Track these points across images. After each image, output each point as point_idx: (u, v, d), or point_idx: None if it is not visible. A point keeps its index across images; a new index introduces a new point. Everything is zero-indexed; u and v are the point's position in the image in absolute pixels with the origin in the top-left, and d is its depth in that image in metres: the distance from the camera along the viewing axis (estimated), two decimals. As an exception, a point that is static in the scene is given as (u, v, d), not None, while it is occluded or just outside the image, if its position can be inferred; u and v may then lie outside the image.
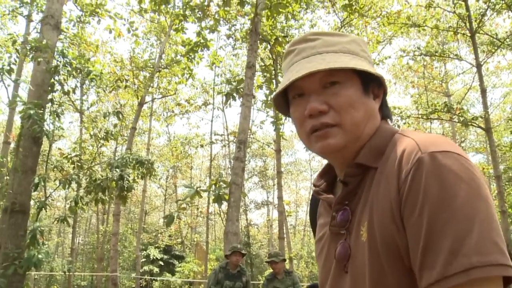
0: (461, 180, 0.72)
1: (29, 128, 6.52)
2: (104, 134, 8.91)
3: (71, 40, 11.74)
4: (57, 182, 7.83)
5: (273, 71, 10.75)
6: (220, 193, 6.56)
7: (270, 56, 10.92)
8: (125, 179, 7.58)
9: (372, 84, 0.93)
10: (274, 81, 10.86)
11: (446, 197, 0.71)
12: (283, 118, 11.57)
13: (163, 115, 22.19)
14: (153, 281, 21.71)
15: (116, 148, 21.46)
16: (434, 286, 0.69)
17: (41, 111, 6.71)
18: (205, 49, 10.14)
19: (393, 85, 19.75)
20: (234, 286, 5.92)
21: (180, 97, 19.85)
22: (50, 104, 7.25)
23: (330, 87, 0.89)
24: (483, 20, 10.75)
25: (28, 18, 11.31)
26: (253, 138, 21.16)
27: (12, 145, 10.18)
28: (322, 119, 0.88)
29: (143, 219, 21.48)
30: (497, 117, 21.45)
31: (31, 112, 6.40)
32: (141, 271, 19.69)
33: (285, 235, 15.94)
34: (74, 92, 8.49)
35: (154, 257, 21.36)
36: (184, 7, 9.44)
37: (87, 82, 9.08)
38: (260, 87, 10.50)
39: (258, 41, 8.37)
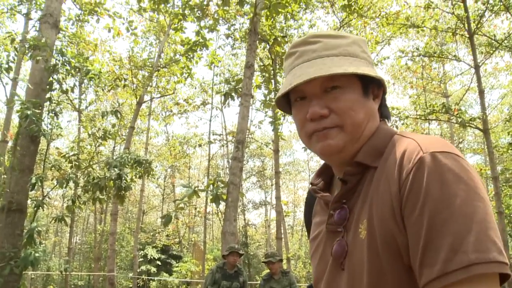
0: (461, 180, 0.74)
1: (27, 127, 6.50)
2: (102, 133, 8.90)
3: (70, 39, 11.73)
4: (55, 181, 7.81)
5: (272, 71, 10.76)
6: (218, 193, 6.56)
7: (269, 56, 10.92)
8: (123, 178, 7.57)
9: (372, 85, 0.95)
10: (272, 81, 10.86)
11: (447, 196, 0.73)
12: (282, 118, 11.59)
13: (162, 114, 22.17)
14: (151, 281, 21.69)
15: (114, 147, 21.46)
16: (435, 282, 0.70)
17: (39, 110, 6.69)
18: (204, 48, 10.15)
19: (392, 85, 19.78)
20: (231, 286, 5.92)
21: (179, 96, 19.85)
22: (48, 103, 7.23)
23: (331, 91, 0.91)
24: (481, 21, 10.77)
25: (27, 16, 11.30)
26: (252, 138, 21.15)
27: (10, 144, 10.16)
28: (323, 123, 0.91)
29: (140, 219, 21.46)
30: (494, 118, 21.49)
31: (29, 111, 6.38)
32: (138, 270, 19.67)
33: (282, 235, 15.93)
34: (72, 91, 8.47)
35: (152, 257, 21.34)
36: (184, 6, 9.43)
37: (85, 81, 9.06)
38: (258, 87, 10.50)
39: (257, 41, 8.37)
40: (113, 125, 10.86)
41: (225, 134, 21.51)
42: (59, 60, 7.27)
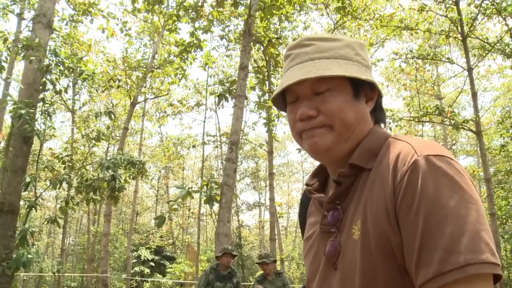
0: (454, 183, 0.76)
1: (20, 127, 6.46)
2: (96, 134, 8.86)
3: (63, 39, 11.67)
4: (48, 182, 7.77)
5: (266, 73, 10.75)
6: (212, 194, 6.55)
7: (263, 57, 10.92)
8: (117, 179, 7.53)
9: (364, 87, 0.96)
10: (267, 82, 10.86)
11: (441, 198, 0.74)
12: (276, 119, 11.59)
13: (156, 115, 22.14)
14: (144, 282, 21.61)
15: (108, 148, 21.38)
16: (430, 282, 0.71)
17: (32, 110, 6.66)
18: (198, 49, 10.12)
19: (386, 87, 19.85)
20: (225, 287, 5.91)
21: (173, 97, 19.82)
22: (41, 103, 7.19)
23: (321, 94, 0.93)
24: (474, 24, 10.85)
25: (20, 16, 11.24)
26: (246, 139, 21.15)
27: (2, 144, 10.09)
28: (311, 123, 0.93)
29: (134, 220, 21.39)
30: (487, 121, 21.63)
31: (22, 111, 6.34)
32: (132, 272, 19.61)
33: (276, 237, 15.94)
34: (66, 91, 8.42)
35: (145, 258, 21.27)
36: (178, 7, 9.42)
37: (79, 81, 9.03)
38: (253, 88, 10.49)
39: (251, 43, 8.38)
40: (107, 126, 10.82)
41: (219, 135, 21.50)
42: (52, 61, 7.23)
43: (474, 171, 14.57)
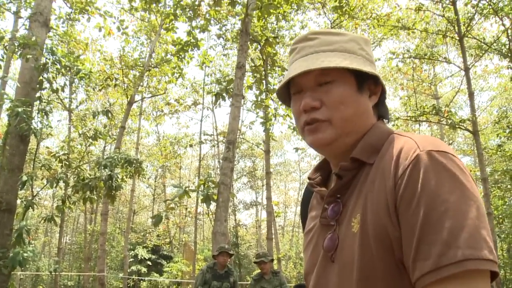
0: (456, 179, 0.77)
1: (17, 126, 6.45)
2: (93, 133, 8.85)
3: (60, 38, 11.65)
4: (45, 181, 7.76)
5: (263, 72, 10.76)
6: (209, 193, 6.56)
7: (260, 56, 10.92)
8: (113, 178, 7.53)
9: (367, 82, 0.97)
10: (264, 81, 10.87)
11: (442, 193, 0.75)
12: (273, 119, 11.60)
13: (153, 114, 22.12)
14: (141, 281, 21.60)
15: (104, 147, 21.33)
16: (427, 275, 0.72)
17: (29, 109, 6.64)
18: (196, 48, 10.12)
19: (383, 87, 19.81)
20: (222, 286, 5.91)
21: (170, 96, 19.80)
22: (38, 102, 7.18)
23: (324, 85, 0.94)
24: (471, 24, 10.87)
25: (16, 15, 11.19)
26: (243, 138, 21.15)
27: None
28: (313, 114, 0.94)
29: (131, 219, 21.35)
30: (484, 120, 21.67)
31: (19, 109, 6.33)
32: (128, 271, 19.58)
33: (273, 236, 15.96)
34: (63, 90, 8.42)
35: (142, 257, 21.24)
36: (175, 6, 9.41)
37: (76, 80, 9.01)
38: (250, 87, 10.50)
39: (249, 42, 8.38)
40: (104, 125, 10.81)
41: (216, 135, 21.47)
42: (49, 59, 7.22)
43: (471, 171, 14.57)
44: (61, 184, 7.89)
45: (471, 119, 9.98)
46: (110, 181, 7.47)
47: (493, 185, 14.91)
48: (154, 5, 10.13)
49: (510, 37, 10.70)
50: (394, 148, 0.86)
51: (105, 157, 8.41)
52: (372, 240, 0.81)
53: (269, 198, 13.42)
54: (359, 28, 13.76)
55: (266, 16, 9.33)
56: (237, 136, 8.55)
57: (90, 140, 9.03)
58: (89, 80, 8.58)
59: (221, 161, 10.59)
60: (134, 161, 8.24)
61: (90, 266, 21.26)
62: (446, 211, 0.73)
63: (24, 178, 6.33)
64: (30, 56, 6.80)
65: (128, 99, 13.47)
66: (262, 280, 6.14)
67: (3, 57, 7.64)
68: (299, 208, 1.25)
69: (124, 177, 8.55)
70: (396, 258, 0.79)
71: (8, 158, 6.52)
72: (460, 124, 10.00)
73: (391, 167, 0.83)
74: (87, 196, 7.74)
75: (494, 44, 11.25)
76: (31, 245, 6.66)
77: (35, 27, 7.17)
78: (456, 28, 10.56)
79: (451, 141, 23.80)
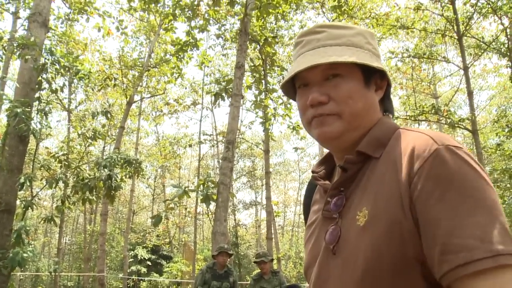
0: (478, 175, 0.77)
1: (16, 126, 6.45)
2: (92, 133, 8.85)
3: (59, 38, 11.64)
4: (44, 181, 7.75)
5: (263, 72, 10.76)
6: (208, 193, 6.56)
7: (260, 56, 10.92)
8: (113, 178, 7.52)
9: (374, 76, 0.97)
10: (263, 81, 10.86)
11: (469, 188, 0.75)
12: (272, 118, 11.59)
13: (152, 114, 22.10)
14: (141, 281, 21.60)
15: (104, 147, 21.31)
16: (459, 268, 0.71)
17: (28, 109, 6.64)
18: (195, 48, 10.12)
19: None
20: (221, 286, 5.92)
21: (169, 96, 19.80)
22: (37, 102, 7.18)
23: (332, 79, 0.94)
24: (470, 23, 10.87)
25: (15, 15, 11.18)
26: (242, 138, 21.15)
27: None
28: (321, 109, 0.94)
29: (131, 219, 21.34)
30: (483, 119, 21.70)
31: (18, 110, 6.33)
32: (128, 271, 19.57)
33: (273, 236, 15.96)
34: (62, 90, 8.41)
35: (142, 257, 21.25)
36: (174, 6, 9.41)
37: (75, 80, 8.99)
38: (249, 87, 10.50)
39: (248, 42, 8.38)
40: (103, 125, 10.80)
41: (216, 134, 21.46)
42: (48, 60, 7.22)
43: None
44: (61, 184, 7.89)
45: (470, 118, 9.98)
46: (110, 181, 7.47)
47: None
48: (153, 5, 10.13)
49: (509, 36, 10.71)
50: (405, 142, 0.86)
51: (104, 157, 8.40)
52: (381, 233, 0.81)
53: (268, 198, 13.41)
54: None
55: (265, 15, 9.33)
56: (237, 136, 8.55)
57: (90, 141, 9.03)
58: (88, 80, 8.57)
59: (220, 161, 10.60)
60: (134, 161, 8.25)
61: (89, 266, 21.25)
62: (475, 205, 0.73)
63: (22, 180, 6.33)
64: (29, 56, 6.80)
65: (127, 99, 13.47)
66: (262, 280, 6.14)
67: (2, 57, 7.64)
68: (298, 207, 1.25)
69: (124, 177, 8.54)
70: (406, 251, 0.79)
71: (7, 158, 6.52)
72: (459, 123, 10.00)
73: (404, 160, 0.82)
74: (86, 197, 7.74)
75: (493, 43, 11.25)
76: (30, 246, 6.66)
77: (34, 27, 7.17)
78: (455, 27, 10.55)
79: (450, 140, 23.75)
